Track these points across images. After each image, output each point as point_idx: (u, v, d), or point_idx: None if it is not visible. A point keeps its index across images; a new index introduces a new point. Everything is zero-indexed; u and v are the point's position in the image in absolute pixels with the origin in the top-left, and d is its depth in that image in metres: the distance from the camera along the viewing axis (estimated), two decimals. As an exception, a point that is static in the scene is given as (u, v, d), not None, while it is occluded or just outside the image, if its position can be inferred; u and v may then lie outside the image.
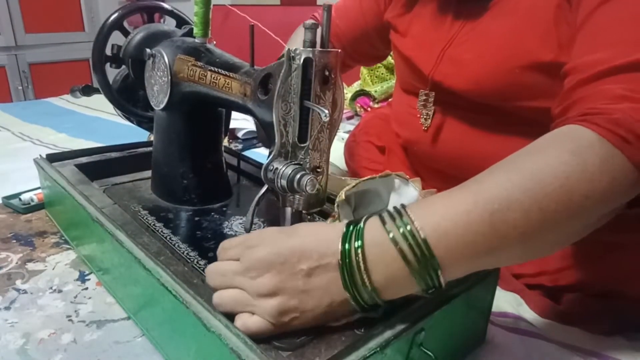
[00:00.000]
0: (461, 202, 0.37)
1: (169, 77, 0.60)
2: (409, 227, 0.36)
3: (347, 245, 0.37)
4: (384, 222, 0.37)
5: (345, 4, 0.84)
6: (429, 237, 0.36)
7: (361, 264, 0.36)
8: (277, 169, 0.43)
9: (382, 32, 0.79)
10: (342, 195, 0.47)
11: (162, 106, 0.62)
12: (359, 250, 0.36)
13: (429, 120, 0.68)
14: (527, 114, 0.58)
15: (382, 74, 1.61)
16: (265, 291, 0.37)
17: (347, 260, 0.36)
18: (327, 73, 0.42)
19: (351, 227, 0.38)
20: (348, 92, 1.56)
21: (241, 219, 0.61)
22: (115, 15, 0.71)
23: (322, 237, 0.38)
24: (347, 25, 0.82)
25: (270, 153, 0.44)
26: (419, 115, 0.70)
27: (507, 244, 0.37)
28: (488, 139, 0.63)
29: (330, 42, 0.80)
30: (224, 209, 0.64)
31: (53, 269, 0.65)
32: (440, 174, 0.73)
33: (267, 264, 0.37)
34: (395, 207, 0.39)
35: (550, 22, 0.53)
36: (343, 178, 0.50)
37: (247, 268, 0.38)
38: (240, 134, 1.28)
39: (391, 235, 0.36)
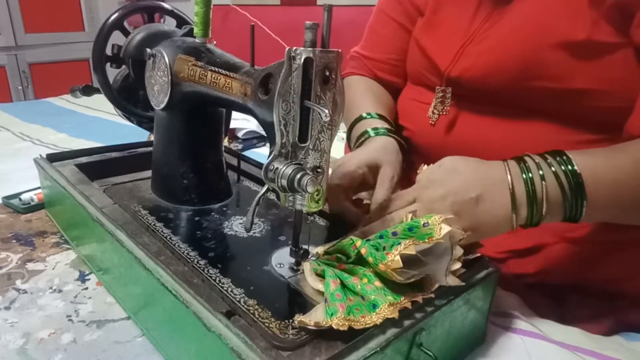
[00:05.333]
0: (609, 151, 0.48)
1: (170, 77, 0.60)
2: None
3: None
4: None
5: (372, 35, 0.81)
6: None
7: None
8: (277, 168, 0.43)
9: None
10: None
11: (162, 106, 0.62)
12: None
13: (444, 114, 0.66)
14: (544, 97, 0.57)
15: None
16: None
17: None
18: (327, 73, 0.42)
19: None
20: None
21: (241, 219, 0.61)
22: (116, 15, 0.71)
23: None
24: (394, 49, 0.77)
25: (270, 153, 0.44)
26: (432, 109, 0.67)
27: None
28: (503, 126, 0.61)
29: (394, 81, 0.79)
30: (224, 209, 0.64)
31: (53, 269, 0.65)
32: None
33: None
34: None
35: (584, 2, 0.52)
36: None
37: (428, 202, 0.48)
38: (240, 134, 1.28)
39: (553, 169, 0.47)
